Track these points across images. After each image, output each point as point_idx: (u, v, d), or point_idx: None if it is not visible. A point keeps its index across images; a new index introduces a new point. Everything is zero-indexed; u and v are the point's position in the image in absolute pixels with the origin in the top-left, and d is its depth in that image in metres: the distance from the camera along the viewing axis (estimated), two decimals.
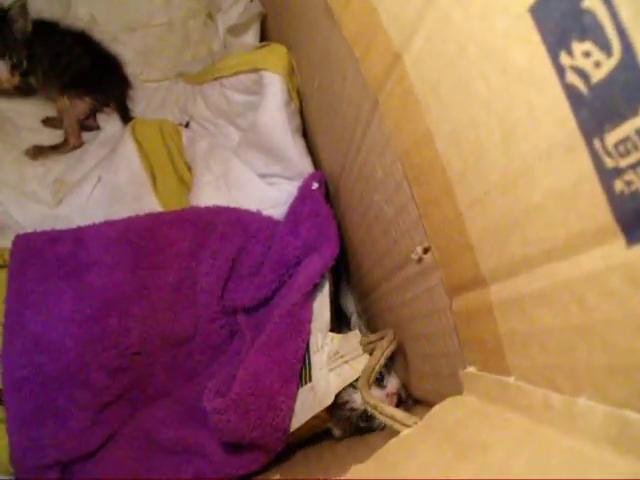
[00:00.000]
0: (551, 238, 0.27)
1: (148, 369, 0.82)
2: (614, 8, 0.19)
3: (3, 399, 0.76)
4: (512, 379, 0.32)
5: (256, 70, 0.87)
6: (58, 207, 0.94)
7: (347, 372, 0.68)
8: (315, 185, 0.77)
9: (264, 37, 1.00)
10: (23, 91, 1.07)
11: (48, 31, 1.04)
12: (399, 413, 0.49)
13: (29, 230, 0.84)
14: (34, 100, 1.10)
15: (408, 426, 0.44)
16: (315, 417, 0.68)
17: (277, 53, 0.86)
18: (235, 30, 0.98)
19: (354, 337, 0.71)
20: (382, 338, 0.66)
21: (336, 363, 0.68)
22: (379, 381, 0.68)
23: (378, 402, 0.54)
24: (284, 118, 0.84)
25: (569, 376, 0.27)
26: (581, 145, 0.23)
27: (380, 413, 0.53)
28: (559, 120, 0.24)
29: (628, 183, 0.21)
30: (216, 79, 0.96)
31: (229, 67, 0.92)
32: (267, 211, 0.86)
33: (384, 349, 0.64)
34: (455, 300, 0.41)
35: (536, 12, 0.23)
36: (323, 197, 0.77)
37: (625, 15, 0.19)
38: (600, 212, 0.23)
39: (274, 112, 0.84)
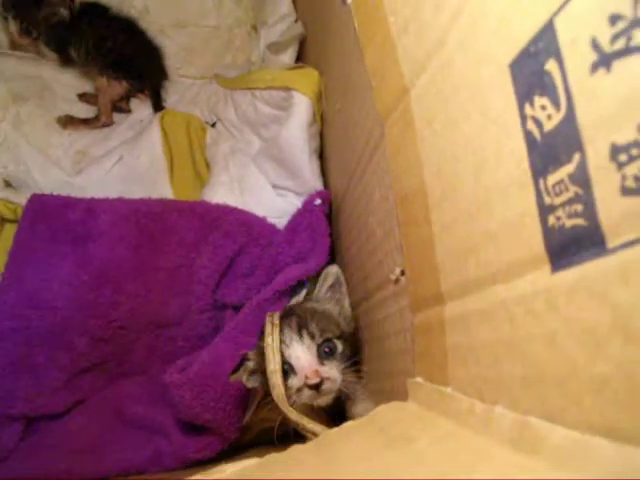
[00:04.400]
0: (498, 263, 0.30)
1: (129, 345, 0.85)
2: (565, 72, 0.23)
3: None
4: (449, 389, 0.36)
5: (288, 89, 0.92)
6: (77, 176, 0.99)
7: None
8: (318, 201, 0.81)
9: (300, 56, 1.05)
10: (64, 61, 1.14)
11: (97, 14, 1.11)
12: (319, 427, 0.51)
13: (46, 192, 0.88)
14: (75, 74, 1.16)
15: None
16: (264, 419, 0.70)
17: (310, 77, 0.92)
18: (275, 47, 1.03)
19: None
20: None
21: None
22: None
23: (299, 418, 0.55)
24: (305, 138, 0.89)
25: (492, 387, 0.31)
26: (530, 183, 0.27)
27: (303, 429, 0.55)
28: (518, 160, 0.28)
29: (558, 218, 0.25)
30: (249, 88, 1.02)
31: (263, 80, 0.98)
32: (273, 220, 0.90)
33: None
34: (417, 316, 0.44)
35: (513, 68, 0.28)
36: (324, 214, 0.81)
37: (572, 78, 0.23)
38: (536, 242, 0.27)
39: (297, 130, 0.89)
